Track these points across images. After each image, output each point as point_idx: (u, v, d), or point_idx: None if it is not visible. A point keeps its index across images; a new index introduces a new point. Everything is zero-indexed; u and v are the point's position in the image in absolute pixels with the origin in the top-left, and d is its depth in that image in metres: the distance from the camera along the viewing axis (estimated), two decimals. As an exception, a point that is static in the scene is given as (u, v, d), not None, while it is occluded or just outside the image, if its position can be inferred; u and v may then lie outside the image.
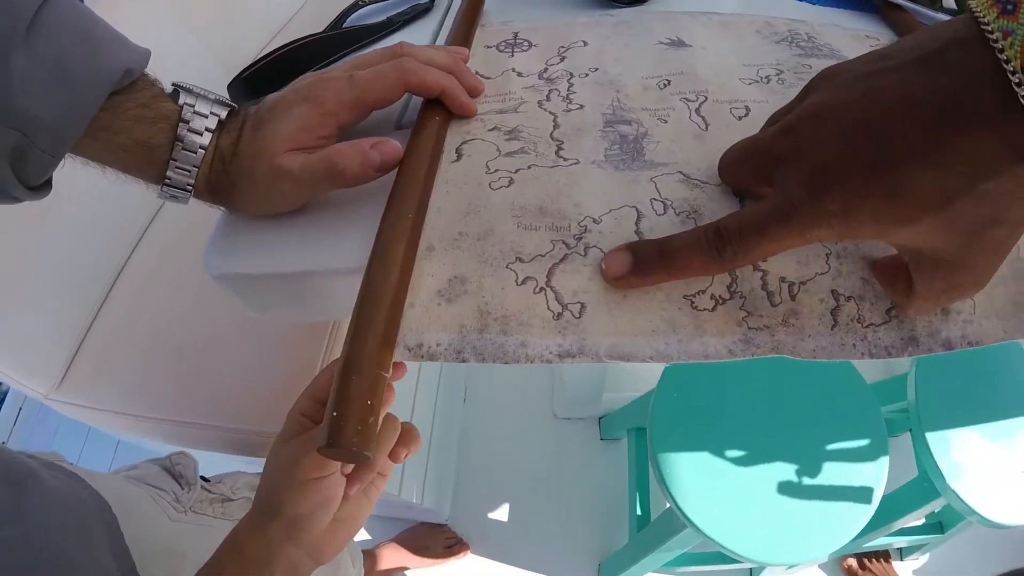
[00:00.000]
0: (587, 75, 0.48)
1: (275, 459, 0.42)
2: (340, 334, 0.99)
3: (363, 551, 1.32)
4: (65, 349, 1.02)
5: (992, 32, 0.23)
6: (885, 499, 0.93)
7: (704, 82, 0.47)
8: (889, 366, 1.66)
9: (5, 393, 1.89)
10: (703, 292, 0.33)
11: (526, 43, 0.54)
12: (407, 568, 1.48)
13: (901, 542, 1.39)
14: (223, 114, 0.40)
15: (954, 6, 0.58)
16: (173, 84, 0.41)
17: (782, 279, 0.34)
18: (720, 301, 0.33)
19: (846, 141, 0.27)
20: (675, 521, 1.01)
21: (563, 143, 0.42)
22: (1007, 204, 0.25)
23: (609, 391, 1.54)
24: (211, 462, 0.87)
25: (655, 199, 0.37)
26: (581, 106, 0.45)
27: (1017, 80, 0.22)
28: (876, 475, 0.92)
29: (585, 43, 0.52)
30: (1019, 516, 0.95)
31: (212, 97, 0.40)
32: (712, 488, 0.91)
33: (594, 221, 0.36)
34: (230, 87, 0.56)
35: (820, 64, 0.48)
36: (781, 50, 0.50)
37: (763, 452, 0.94)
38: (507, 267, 0.34)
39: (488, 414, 1.71)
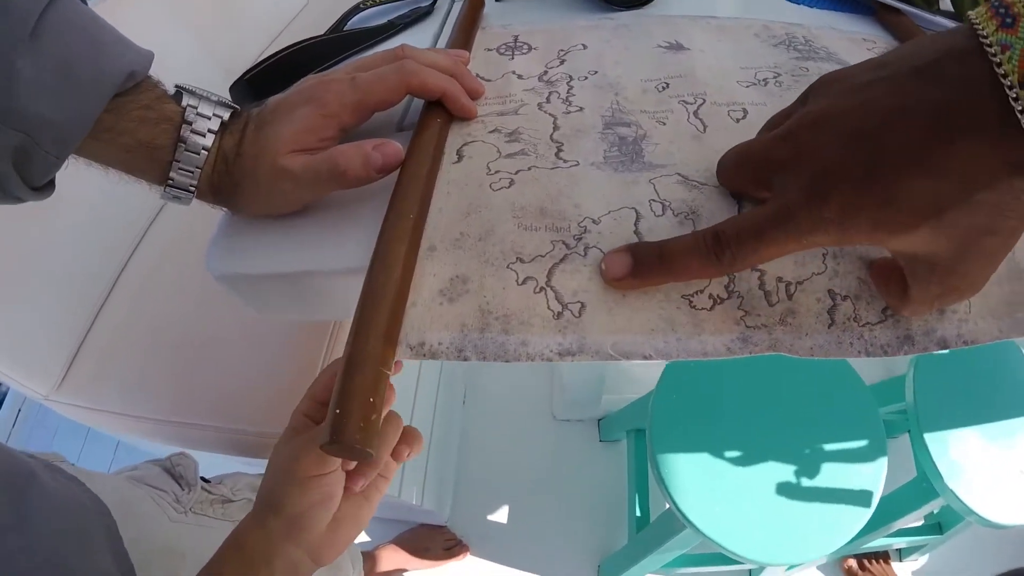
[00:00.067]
0: (586, 78, 0.49)
1: (276, 458, 0.43)
2: (341, 335, 0.99)
3: (362, 553, 1.32)
4: (65, 350, 1.02)
5: (991, 45, 0.23)
6: (884, 500, 0.93)
7: (702, 85, 0.47)
8: (887, 367, 1.66)
9: (4, 394, 1.89)
10: (701, 292, 0.34)
11: (526, 46, 0.54)
12: (406, 570, 1.48)
13: (900, 543, 1.40)
14: (226, 115, 0.41)
15: (951, 8, 0.59)
16: (176, 86, 0.41)
17: (779, 279, 0.34)
18: (718, 300, 0.34)
19: (844, 149, 0.27)
20: (674, 522, 1.01)
21: (563, 145, 0.42)
22: (1002, 214, 0.25)
23: (608, 393, 1.54)
24: (211, 463, 0.87)
25: (654, 200, 0.38)
26: (581, 108, 0.45)
27: (1015, 95, 0.22)
28: (874, 476, 0.92)
29: (584, 46, 0.53)
30: (1017, 516, 0.95)
31: (215, 99, 0.41)
32: (711, 489, 0.92)
33: (594, 222, 0.36)
34: (232, 89, 0.56)
35: (817, 67, 0.48)
36: (779, 53, 0.51)
37: (762, 453, 0.94)
38: (508, 267, 0.35)
39: (488, 416, 1.71)
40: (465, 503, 1.57)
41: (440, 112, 0.44)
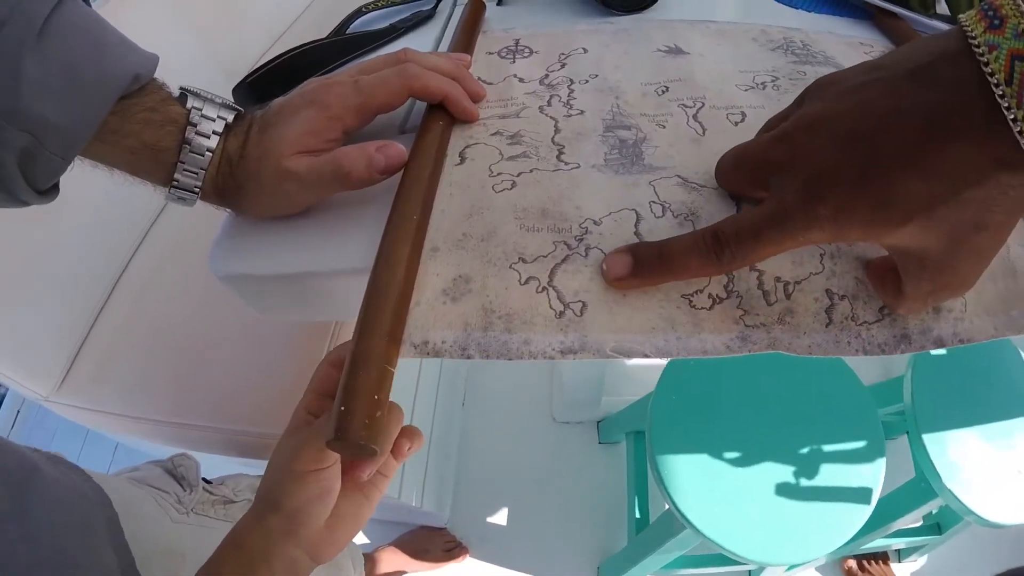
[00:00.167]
0: (587, 81, 0.49)
1: (276, 455, 0.43)
2: (341, 335, 0.99)
3: (363, 554, 1.32)
4: (66, 351, 1.03)
5: (979, 46, 0.24)
6: (883, 500, 0.94)
7: (701, 88, 0.47)
8: (885, 369, 1.67)
9: (3, 396, 1.89)
10: (701, 291, 0.34)
11: (527, 50, 0.55)
12: (406, 572, 1.48)
13: (899, 543, 1.40)
14: (230, 118, 0.41)
15: (947, 12, 0.59)
16: (180, 88, 0.41)
17: (777, 279, 0.35)
18: (717, 300, 0.34)
19: (839, 150, 0.28)
20: (674, 523, 1.01)
21: (564, 147, 0.43)
22: (989, 209, 0.26)
23: (608, 395, 1.54)
24: (213, 464, 0.88)
25: (654, 202, 0.38)
26: (581, 111, 0.46)
27: (1000, 92, 0.23)
28: (873, 476, 0.93)
29: (585, 50, 0.53)
30: (1016, 515, 0.96)
31: (219, 101, 0.41)
32: (711, 489, 0.92)
33: (595, 223, 0.37)
34: (235, 92, 0.56)
35: (815, 71, 0.49)
36: (777, 57, 0.51)
37: (761, 454, 0.95)
38: (510, 267, 0.35)
39: (487, 418, 1.71)
40: (465, 505, 1.57)
41: (442, 115, 0.44)
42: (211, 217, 0.45)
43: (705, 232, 0.32)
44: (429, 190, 0.39)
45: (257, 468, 0.88)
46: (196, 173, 0.41)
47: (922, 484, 1.06)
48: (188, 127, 0.40)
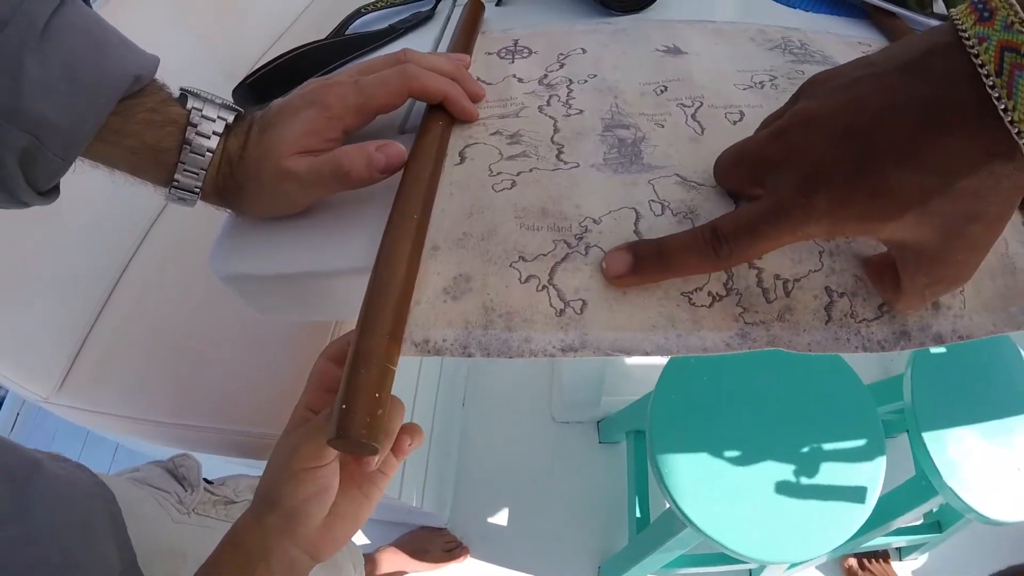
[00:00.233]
0: (586, 81, 0.49)
1: (275, 454, 0.43)
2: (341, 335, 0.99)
3: (363, 555, 1.32)
4: (66, 352, 1.03)
5: (969, 39, 0.24)
6: (883, 499, 0.94)
7: (700, 88, 0.48)
8: (885, 367, 1.67)
9: (3, 397, 1.89)
10: (700, 289, 0.34)
11: (526, 50, 0.55)
12: (407, 572, 1.48)
13: (900, 542, 1.40)
14: (230, 118, 0.41)
15: (944, 10, 0.60)
16: (181, 89, 0.42)
17: (777, 276, 0.35)
18: (717, 298, 0.34)
19: (833, 146, 0.28)
20: (675, 521, 1.02)
21: (563, 147, 0.43)
22: (983, 200, 0.26)
23: (607, 394, 1.54)
24: (214, 465, 0.88)
25: (653, 200, 0.38)
26: (580, 111, 0.46)
27: (991, 83, 0.24)
28: (873, 474, 0.93)
29: (584, 50, 0.53)
30: (1016, 513, 0.96)
31: (219, 101, 0.41)
32: (711, 488, 0.92)
33: (594, 222, 0.37)
34: (234, 93, 0.56)
35: (813, 70, 0.49)
36: (775, 56, 0.51)
37: (761, 452, 0.95)
38: (510, 266, 0.35)
39: (487, 418, 1.72)
40: (465, 505, 1.57)
41: (442, 115, 0.45)
42: (211, 218, 0.45)
43: (703, 229, 0.33)
44: (429, 189, 0.39)
45: (258, 468, 0.88)
46: (196, 173, 0.41)
47: (922, 482, 1.06)
48: (188, 127, 0.40)
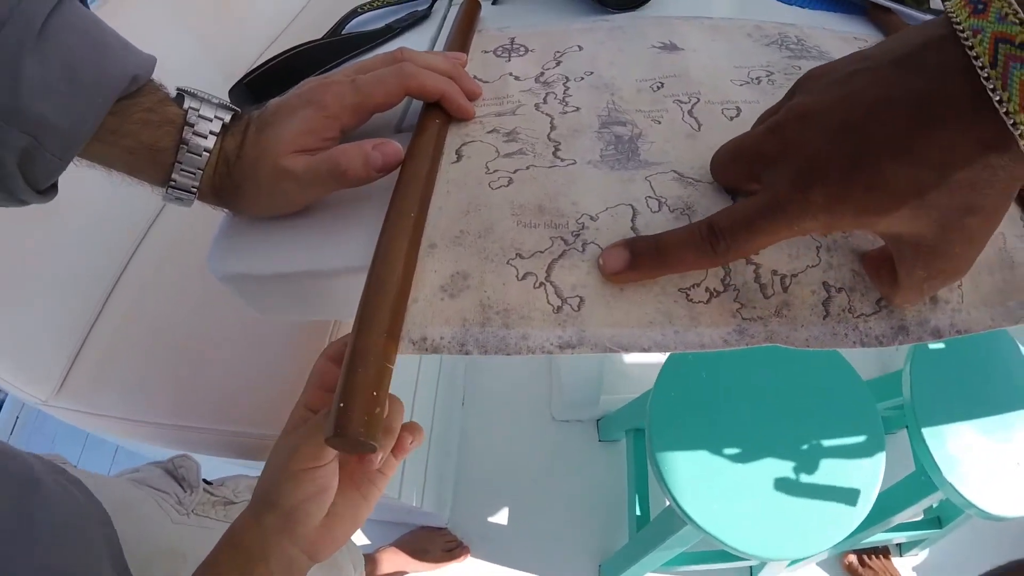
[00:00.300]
0: (583, 78, 0.49)
1: (274, 453, 0.43)
2: (340, 335, 0.99)
3: (363, 555, 1.32)
4: (64, 354, 1.02)
5: (963, 31, 0.24)
6: (883, 495, 0.94)
7: (696, 84, 0.48)
8: (884, 363, 1.67)
9: (2, 400, 1.89)
10: (698, 285, 0.34)
11: (522, 48, 0.55)
12: (407, 572, 1.48)
13: (900, 538, 1.41)
14: (227, 118, 0.41)
15: (941, 6, 0.60)
16: (178, 89, 0.42)
17: (774, 272, 0.35)
18: (714, 294, 0.34)
19: (829, 141, 0.29)
20: (675, 519, 1.02)
21: (560, 144, 0.43)
22: (980, 192, 0.26)
23: (607, 393, 1.54)
24: (213, 465, 0.88)
25: (650, 197, 0.38)
26: (577, 108, 0.46)
27: (986, 75, 0.24)
28: (873, 471, 0.93)
29: (580, 48, 0.53)
30: (1016, 508, 0.96)
31: (216, 101, 0.41)
32: (711, 485, 0.92)
33: (591, 218, 0.37)
34: (231, 93, 0.56)
35: (809, 65, 0.49)
36: (771, 52, 0.51)
37: (761, 450, 0.95)
38: (507, 263, 0.35)
39: (486, 417, 1.72)
40: (465, 505, 1.57)
41: (439, 113, 0.45)
42: (209, 218, 0.45)
43: (700, 224, 0.33)
44: (426, 188, 0.39)
45: (257, 469, 0.88)
46: (193, 173, 0.41)
47: (922, 478, 1.06)
48: (185, 127, 0.40)
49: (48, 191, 0.40)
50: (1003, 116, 0.23)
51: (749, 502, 0.91)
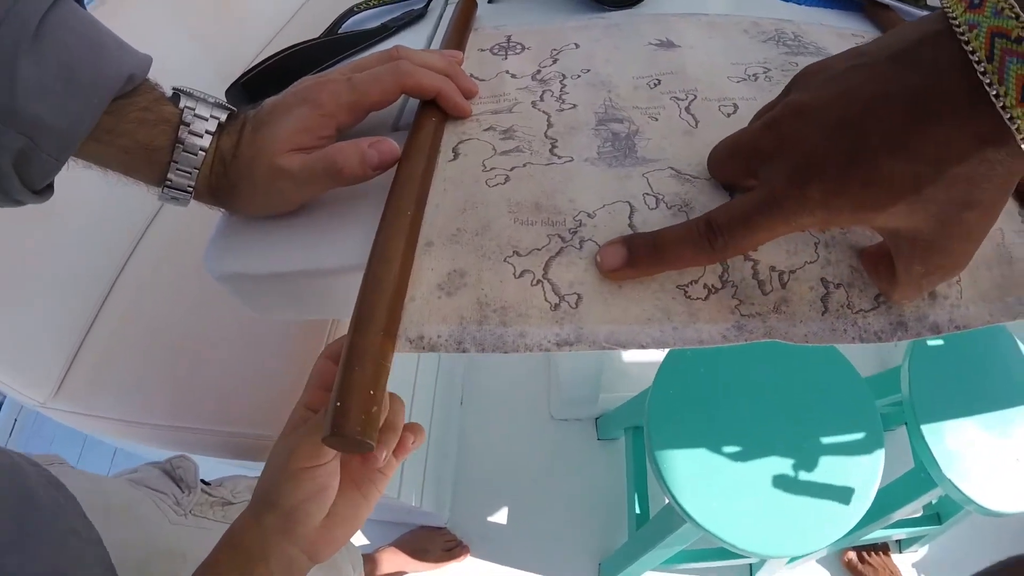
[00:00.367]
0: (579, 76, 0.49)
1: (274, 453, 0.43)
2: (338, 335, 0.99)
3: (363, 555, 1.32)
4: (62, 356, 1.02)
5: (959, 26, 0.24)
6: (882, 491, 0.94)
7: (693, 81, 0.48)
8: (882, 360, 1.67)
9: (0, 403, 1.88)
10: (696, 282, 0.34)
11: (519, 46, 0.55)
12: (407, 572, 1.48)
13: (900, 534, 1.41)
14: (223, 117, 0.41)
15: (937, 3, 0.59)
16: (173, 88, 0.41)
17: (772, 268, 0.35)
18: (712, 290, 0.34)
19: (826, 137, 0.29)
20: (674, 517, 1.02)
21: (557, 141, 0.43)
22: (977, 186, 0.26)
23: (605, 391, 1.54)
24: (211, 466, 0.87)
25: (647, 194, 0.38)
26: (574, 106, 0.46)
27: (982, 70, 0.24)
28: (872, 467, 0.93)
29: (577, 45, 0.53)
30: (1015, 503, 0.96)
31: (212, 100, 0.41)
32: (710, 483, 0.92)
33: (588, 216, 0.37)
34: (228, 93, 0.56)
35: (806, 62, 0.48)
36: (768, 49, 0.51)
37: (760, 447, 0.95)
38: (505, 261, 0.35)
39: (485, 416, 1.71)
40: (464, 504, 1.57)
41: (435, 111, 0.44)
42: (206, 218, 0.45)
43: (698, 221, 0.33)
44: (423, 186, 0.39)
45: (256, 470, 0.88)
46: (189, 173, 0.40)
47: (921, 474, 1.06)
48: (181, 126, 0.40)
49: (44, 191, 0.40)
50: (1000, 111, 0.23)
51: (748, 499, 0.91)
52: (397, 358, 0.33)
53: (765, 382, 1.01)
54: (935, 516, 1.36)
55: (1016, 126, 0.23)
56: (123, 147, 0.39)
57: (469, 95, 0.47)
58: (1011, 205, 0.39)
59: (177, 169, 0.40)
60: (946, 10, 0.25)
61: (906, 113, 0.26)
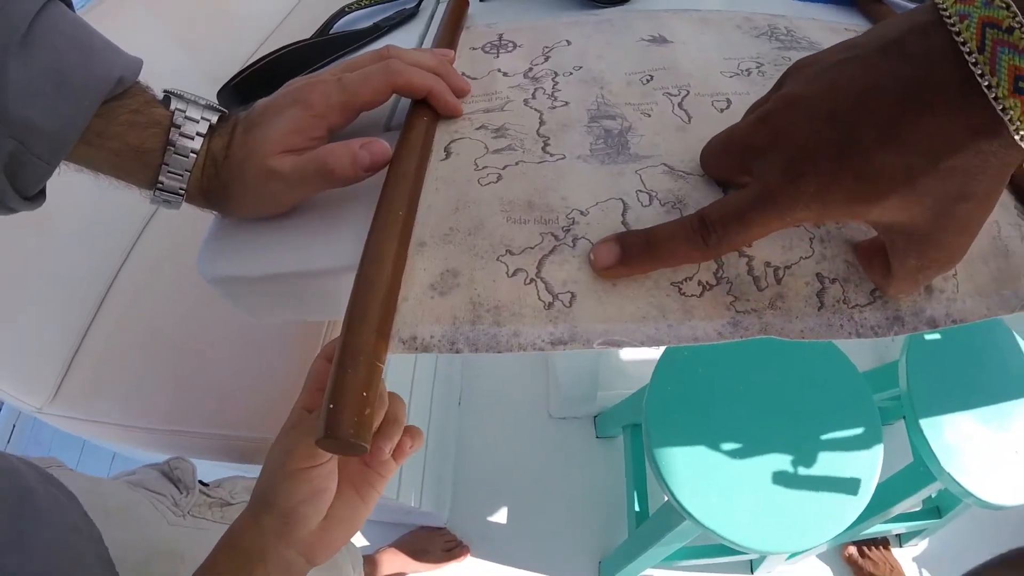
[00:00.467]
0: (571, 73, 0.49)
1: (271, 455, 0.43)
2: (333, 335, 0.98)
3: (363, 556, 1.32)
4: (59, 361, 1.02)
5: (950, 17, 0.24)
6: (881, 486, 0.94)
7: (686, 76, 0.47)
8: (880, 355, 1.67)
9: (-1, 407, 1.88)
10: (690, 279, 0.34)
11: (511, 44, 0.54)
12: (407, 573, 1.47)
13: (900, 528, 1.41)
14: (214, 119, 0.41)
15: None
16: (164, 91, 0.41)
17: (767, 264, 0.34)
18: (707, 287, 0.34)
19: (817, 130, 0.28)
20: (673, 515, 1.02)
21: (549, 139, 0.43)
22: (973, 178, 0.26)
23: (603, 389, 1.54)
24: (210, 467, 0.87)
25: (640, 191, 0.38)
26: (566, 103, 0.46)
27: (973, 60, 0.23)
28: (871, 462, 0.93)
29: (568, 42, 0.53)
30: (1015, 496, 0.96)
31: (203, 103, 0.41)
32: (709, 480, 0.92)
33: (581, 213, 0.37)
34: (219, 95, 0.56)
35: (799, 56, 0.48)
36: (761, 44, 0.51)
37: (758, 443, 0.95)
38: (497, 260, 0.35)
39: (484, 416, 1.71)
40: (464, 504, 1.57)
41: (427, 111, 0.44)
42: (200, 221, 0.45)
43: (691, 217, 0.32)
44: (415, 185, 0.39)
45: (254, 472, 0.87)
46: (181, 175, 0.40)
47: (920, 468, 1.06)
48: (172, 129, 0.40)
49: (36, 198, 0.40)
50: (992, 102, 0.23)
51: (747, 496, 0.91)
52: (394, 359, 0.32)
53: (762, 378, 1.01)
54: (935, 510, 1.37)
55: (1009, 117, 0.23)
56: (114, 150, 0.39)
57: (461, 94, 0.47)
58: (1007, 198, 0.38)
59: (168, 172, 0.40)
60: (936, 1, 0.25)
61: (898, 105, 0.26)
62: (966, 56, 0.24)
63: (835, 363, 1.02)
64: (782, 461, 0.93)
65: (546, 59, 0.51)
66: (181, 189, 0.41)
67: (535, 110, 0.45)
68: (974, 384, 1.05)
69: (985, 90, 0.23)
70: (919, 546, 1.51)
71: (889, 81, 0.26)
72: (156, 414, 0.95)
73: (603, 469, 1.59)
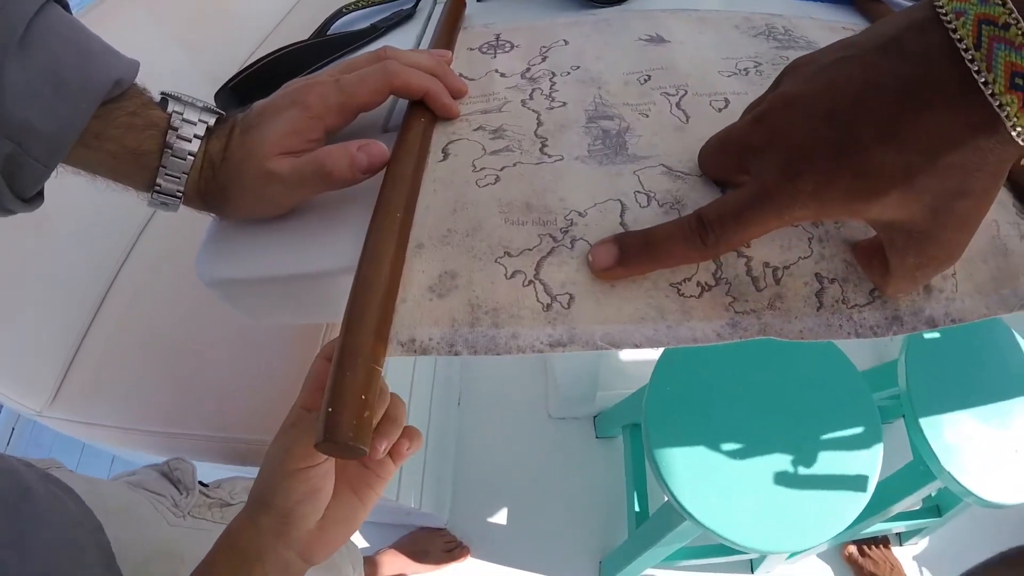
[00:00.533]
0: (569, 73, 0.49)
1: (269, 455, 0.43)
2: (331, 337, 0.98)
3: (363, 558, 1.32)
4: (57, 365, 1.02)
5: (946, 14, 0.24)
6: (881, 485, 0.94)
7: (684, 76, 0.47)
8: (879, 354, 1.67)
9: (-2, 411, 1.88)
10: (689, 279, 0.34)
11: (508, 44, 0.54)
12: (407, 574, 1.47)
13: (900, 527, 1.41)
14: (211, 121, 0.41)
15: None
16: (161, 93, 0.41)
17: (766, 264, 0.34)
18: (706, 288, 0.34)
19: (814, 128, 0.28)
20: (673, 515, 1.02)
21: (547, 140, 0.42)
22: (971, 175, 0.26)
23: (603, 389, 1.54)
24: (209, 468, 0.87)
25: (639, 191, 0.38)
26: (564, 104, 0.46)
27: (970, 57, 0.23)
28: (871, 461, 0.93)
29: (566, 42, 0.53)
30: (1015, 495, 0.96)
31: (200, 105, 0.41)
32: (709, 480, 0.92)
33: (579, 214, 0.37)
34: (217, 97, 0.56)
35: (797, 55, 0.48)
36: (759, 43, 0.51)
37: (758, 443, 0.95)
38: (496, 261, 0.35)
39: (483, 416, 1.71)
40: (464, 504, 1.57)
41: (424, 112, 0.44)
42: (198, 223, 0.45)
43: (689, 218, 0.32)
44: (413, 187, 0.39)
45: (253, 473, 0.87)
46: (178, 178, 0.40)
47: (920, 467, 1.06)
48: (169, 131, 0.40)
49: (34, 200, 0.40)
50: (989, 98, 0.23)
51: (747, 496, 0.91)
52: (394, 361, 0.32)
53: (762, 378, 1.01)
54: (935, 508, 1.37)
55: (1005, 113, 0.23)
56: (111, 152, 0.39)
57: (458, 94, 0.47)
58: (1005, 197, 0.38)
59: (166, 174, 0.40)
60: None
61: (896, 103, 0.26)
62: (962, 53, 0.24)
63: (834, 363, 1.02)
64: (782, 461, 0.93)
65: (544, 59, 0.51)
66: (179, 191, 0.41)
67: (533, 111, 0.45)
68: (974, 383, 1.05)
69: (982, 86, 0.23)
70: (919, 545, 1.51)
71: (888, 79, 0.26)
72: (155, 416, 0.95)
73: (603, 469, 1.59)
